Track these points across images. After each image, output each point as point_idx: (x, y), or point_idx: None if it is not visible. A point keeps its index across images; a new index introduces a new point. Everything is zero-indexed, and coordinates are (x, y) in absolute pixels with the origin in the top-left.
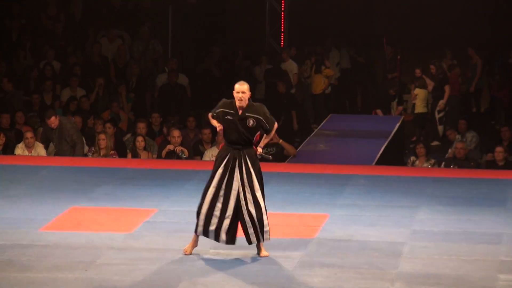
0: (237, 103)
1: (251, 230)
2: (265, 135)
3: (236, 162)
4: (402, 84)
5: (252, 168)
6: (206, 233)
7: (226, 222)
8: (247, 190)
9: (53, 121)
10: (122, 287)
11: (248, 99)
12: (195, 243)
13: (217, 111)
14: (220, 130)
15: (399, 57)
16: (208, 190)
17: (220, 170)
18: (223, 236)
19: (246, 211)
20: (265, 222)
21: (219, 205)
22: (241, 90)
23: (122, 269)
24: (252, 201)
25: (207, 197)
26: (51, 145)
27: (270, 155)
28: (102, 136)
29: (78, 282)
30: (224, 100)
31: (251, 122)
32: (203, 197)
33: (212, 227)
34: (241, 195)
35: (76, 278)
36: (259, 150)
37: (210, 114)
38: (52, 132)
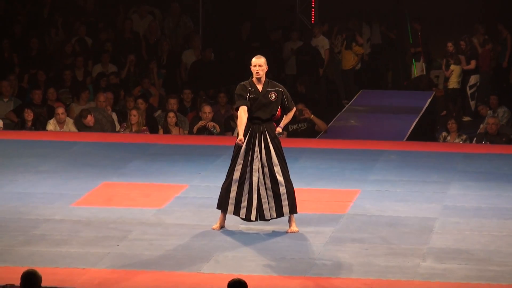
0: (255, 76)
1: (266, 206)
2: (285, 116)
3: (256, 137)
4: (430, 60)
5: (271, 143)
6: (237, 212)
7: (256, 201)
8: (265, 165)
9: (90, 119)
10: (153, 262)
11: (266, 77)
12: (223, 221)
13: (244, 98)
14: (238, 143)
15: (419, 33)
16: (234, 171)
17: (242, 150)
18: (253, 214)
19: (263, 187)
20: (283, 197)
21: (246, 186)
22: (258, 63)
23: (153, 244)
24: (268, 176)
25: (234, 177)
26: None
27: (302, 130)
28: (133, 112)
29: (109, 257)
30: (240, 84)
31: (273, 96)
32: (229, 177)
33: (244, 207)
34: (260, 172)
35: (108, 253)
36: (279, 129)
37: (239, 108)
38: (87, 129)
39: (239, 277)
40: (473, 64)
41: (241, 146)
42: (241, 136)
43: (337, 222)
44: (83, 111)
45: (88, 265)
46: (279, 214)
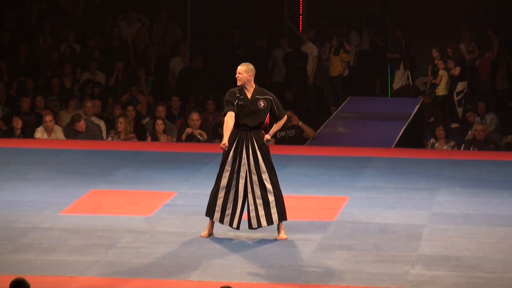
0: (238, 83)
1: (253, 214)
2: (275, 124)
3: (243, 144)
4: (413, 67)
5: (259, 151)
6: (222, 220)
7: (240, 208)
8: (253, 172)
9: (82, 124)
10: (142, 270)
11: (256, 84)
12: (211, 229)
13: (232, 104)
14: (222, 147)
15: (403, 41)
16: (222, 177)
17: (230, 157)
18: (235, 221)
19: (251, 194)
20: (272, 204)
21: (232, 193)
22: (238, 71)
23: (141, 252)
24: (257, 183)
25: (221, 185)
26: None
27: (290, 137)
28: (120, 119)
29: (98, 265)
30: (229, 91)
31: (262, 104)
32: (217, 184)
33: (228, 215)
34: (248, 179)
35: (97, 261)
36: (267, 137)
37: (226, 114)
38: (77, 134)
39: (228, 284)
40: (457, 70)
41: (229, 153)
42: (224, 141)
43: (326, 229)
44: (75, 116)
45: (77, 273)
46: (269, 222)
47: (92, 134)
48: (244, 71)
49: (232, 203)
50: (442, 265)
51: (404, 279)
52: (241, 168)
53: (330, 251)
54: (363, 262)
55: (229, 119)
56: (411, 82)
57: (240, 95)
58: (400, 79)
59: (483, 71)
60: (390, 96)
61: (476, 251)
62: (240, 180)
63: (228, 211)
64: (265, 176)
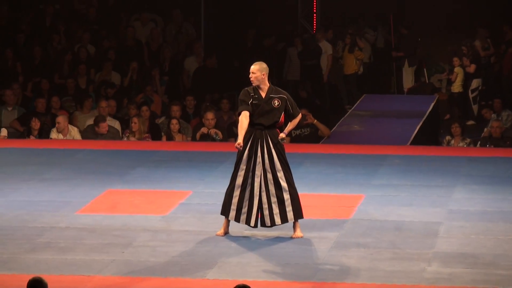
0: (253, 84)
1: (266, 212)
2: (289, 122)
3: (258, 143)
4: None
5: (274, 149)
6: (238, 218)
7: (256, 206)
8: (268, 171)
9: (104, 126)
10: (158, 269)
11: (270, 83)
12: (227, 227)
13: (247, 103)
14: (236, 146)
15: (419, 39)
16: (237, 176)
17: (245, 155)
18: (253, 220)
19: (265, 192)
20: (287, 202)
21: (248, 191)
22: (251, 70)
23: (158, 251)
24: (272, 182)
25: (237, 183)
26: None
27: (305, 135)
28: (134, 119)
29: (114, 264)
30: (244, 90)
31: (276, 102)
32: (232, 183)
33: (244, 213)
34: (263, 178)
35: (113, 260)
36: (282, 135)
37: (240, 113)
38: (98, 136)
39: (244, 283)
40: (472, 68)
41: (244, 152)
42: (239, 140)
43: (342, 227)
44: (99, 117)
45: (93, 272)
46: (284, 220)
47: (113, 137)
48: (258, 70)
49: (248, 201)
50: (459, 262)
51: (421, 276)
52: (256, 166)
53: (346, 249)
54: (379, 259)
55: (244, 119)
56: (427, 79)
57: (255, 94)
58: (408, 76)
59: (506, 66)
60: (406, 94)
61: (494, 248)
62: (256, 179)
63: (244, 210)
64: (280, 174)
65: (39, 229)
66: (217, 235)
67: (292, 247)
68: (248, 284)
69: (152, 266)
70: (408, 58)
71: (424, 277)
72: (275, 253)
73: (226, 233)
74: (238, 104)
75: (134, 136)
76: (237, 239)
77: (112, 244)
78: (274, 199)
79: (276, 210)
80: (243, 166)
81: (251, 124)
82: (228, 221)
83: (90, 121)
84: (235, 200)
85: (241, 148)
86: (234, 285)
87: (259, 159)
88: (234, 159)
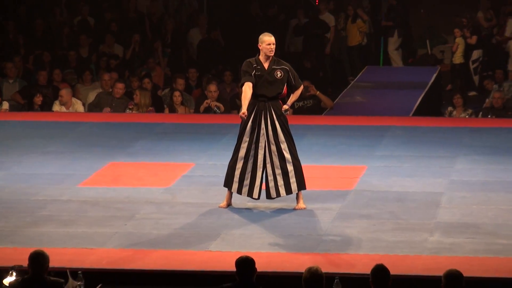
0: (268, 54)
1: (272, 184)
2: (292, 94)
3: (262, 115)
4: (435, 35)
5: (277, 121)
6: (240, 190)
7: (259, 178)
8: (272, 142)
9: (121, 88)
10: (161, 241)
11: (273, 55)
12: (229, 199)
13: (250, 74)
14: (241, 116)
15: (422, 10)
16: (240, 148)
17: (248, 127)
18: (256, 192)
19: (270, 164)
20: (291, 174)
21: (250, 163)
22: (272, 41)
23: (160, 223)
24: (276, 153)
25: (240, 155)
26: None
27: (308, 107)
28: (136, 92)
29: (117, 236)
30: (246, 61)
31: (279, 74)
32: (235, 155)
33: (246, 185)
34: (267, 149)
35: (116, 233)
36: (285, 107)
37: (243, 84)
38: (111, 98)
39: (247, 254)
40: (474, 39)
41: (247, 124)
42: (244, 110)
43: (344, 198)
44: (118, 80)
45: (96, 245)
46: (288, 191)
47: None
48: (274, 42)
49: (250, 173)
50: (461, 232)
51: (423, 246)
52: (260, 138)
53: (349, 220)
54: (382, 230)
55: (247, 89)
56: (429, 50)
57: (257, 65)
58: (394, 46)
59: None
60: (405, 65)
61: (495, 218)
62: (259, 151)
63: (246, 182)
64: (283, 146)
65: (41, 202)
66: (220, 207)
67: (295, 219)
68: (251, 256)
69: (155, 239)
70: (397, 28)
71: (426, 247)
72: (278, 225)
73: (229, 205)
74: (241, 75)
75: (138, 109)
76: (240, 211)
77: (115, 217)
78: (278, 171)
79: (280, 181)
80: (246, 138)
81: (254, 95)
82: (231, 193)
83: (93, 93)
84: (237, 172)
85: (245, 118)
86: (237, 257)
87: (262, 131)
88: (237, 131)
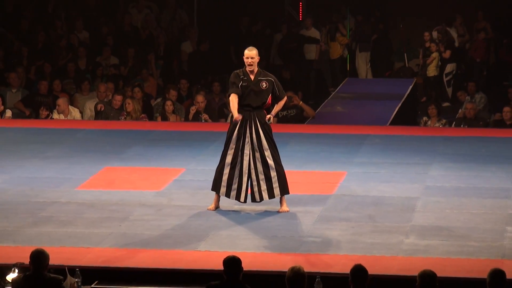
0: (248, 68)
1: (256, 188)
2: (276, 104)
3: (247, 124)
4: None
5: (261, 129)
6: (228, 194)
7: (245, 183)
8: (256, 149)
9: (119, 100)
10: (152, 241)
11: (259, 67)
12: (217, 202)
13: (237, 86)
14: (236, 120)
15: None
16: (226, 155)
17: (234, 135)
18: (243, 196)
19: (254, 170)
20: (274, 179)
21: (237, 169)
22: (250, 55)
23: (153, 225)
24: (260, 160)
25: (226, 161)
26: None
27: (291, 116)
28: (128, 100)
29: (112, 236)
30: (234, 72)
31: (264, 85)
32: (222, 161)
33: (234, 189)
34: (251, 156)
35: (111, 233)
36: (269, 116)
37: (230, 95)
38: (110, 108)
39: (234, 254)
40: (448, 53)
41: (234, 132)
42: (235, 114)
43: (325, 202)
44: (118, 92)
45: (92, 244)
46: (271, 196)
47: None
48: (256, 55)
49: (237, 178)
50: (435, 235)
51: (399, 248)
52: (245, 146)
53: (329, 223)
54: (360, 232)
55: (234, 99)
56: (406, 63)
57: (244, 77)
58: (361, 61)
59: (477, 53)
60: (388, 77)
61: (467, 222)
62: (245, 157)
63: (234, 186)
64: (267, 153)
65: (41, 203)
66: (208, 209)
67: (278, 221)
68: (238, 255)
69: (147, 239)
70: (359, 44)
71: (402, 249)
72: (263, 227)
73: (217, 207)
74: (229, 86)
75: (131, 117)
76: (227, 213)
77: (110, 218)
78: (262, 176)
79: (263, 186)
80: (232, 145)
81: (240, 105)
82: (218, 197)
83: (90, 102)
84: (225, 177)
85: (240, 119)
86: (224, 256)
87: (247, 138)
88: (224, 139)
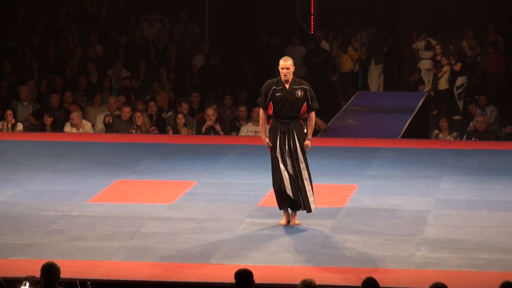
0: (283, 78)
1: (297, 199)
2: (308, 124)
3: (285, 137)
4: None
5: (298, 142)
6: (281, 207)
7: (294, 194)
8: (295, 162)
9: (127, 111)
10: (164, 254)
11: (293, 74)
12: (288, 217)
13: (266, 99)
14: (268, 146)
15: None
16: (276, 171)
17: (277, 151)
18: (309, 206)
19: (293, 182)
20: (309, 192)
21: (286, 182)
22: (286, 66)
23: (164, 238)
24: (297, 172)
25: (277, 177)
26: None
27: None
28: (137, 114)
29: (123, 250)
30: (266, 82)
31: (299, 93)
32: (273, 177)
33: (286, 201)
34: (291, 168)
35: (122, 247)
36: (307, 143)
37: (261, 110)
38: (120, 121)
39: (245, 267)
40: (458, 66)
41: (275, 150)
42: (265, 138)
43: (337, 215)
44: (124, 104)
45: (104, 257)
46: (308, 209)
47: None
48: (291, 65)
49: (290, 191)
50: (446, 247)
51: (410, 261)
52: (287, 160)
53: (340, 236)
54: (372, 245)
55: (262, 116)
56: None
57: (278, 86)
58: (374, 74)
59: (490, 66)
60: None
61: (478, 234)
62: (288, 172)
63: (286, 200)
64: (302, 165)
65: (52, 217)
66: (279, 224)
67: (291, 233)
68: (249, 268)
69: (159, 252)
70: (374, 56)
71: (413, 262)
72: (274, 239)
73: (288, 222)
74: (260, 94)
75: (141, 131)
76: (238, 226)
77: (121, 231)
78: (298, 188)
79: (297, 198)
80: (278, 164)
81: (276, 115)
82: (287, 212)
83: (101, 115)
84: (286, 192)
85: (270, 145)
86: (236, 270)
87: (287, 153)
88: (236, 152)
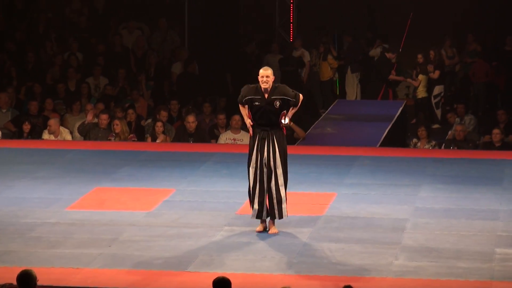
0: (262, 86)
1: (272, 207)
2: (291, 107)
3: (265, 143)
4: (403, 71)
5: (278, 148)
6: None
7: (269, 204)
8: (271, 167)
9: (105, 118)
10: (143, 262)
11: (272, 82)
12: (264, 223)
13: (244, 99)
14: (250, 126)
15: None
16: (250, 176)
17: (253, 157)
18: (264, 213)
19: (266, 188)
20: (283, 199)
21: (258, 188)
22: (265, 74)
23: (143, 245)
24: (272, 178)
25: (251, 182)
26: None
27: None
28: (116, 121)
29: (102, 257)
30: (246, 86)
31: (278, 104)
32: (249, 183)
33: (257, 207)
34: (265, 174)
35: (100, 254)
36: (287, 120)
37: (240, 104)
38: (97, 129)
39: (223, 275)
40: (436, 74)
41: (251, 155)
42: (248, 120)
43: (315, 223)
44: (102, 111)
45: (82, 265)
46: (280, 216)
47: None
48: (271, 74)
49: (259, 197)
50: (424, 256)
51: (389, 269)
52: (263, 167)
53: (319, 244)
54: (350, 253)
55: (242, 109)
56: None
57: (257, 95)
58: (350, 82)
59: (475, 75)
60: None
61: (456, 243)
62: (264, 178)
63: (257, 207)
64: (279, 171)
65: (31, 224)
66: (257, 231)
67: (268, 242)
68: (227, 276)
69: (137, 259)
70: (350, 65)
71: (391, 270)
72: (253, 248)
73: (264, 228)
74: (239, 93)
75: (120, 138)
76: (216, 234)
77: (100, 239)
78: (271, 195)
79: (269, 205)
80: (253, 170)
81: (257, 123)
82: (263, 220)
83: (80, 123)
84: (257, 200)
85: (252, 123)
86: (214, 278)
87: (264, 160)
88: (215, 160)
